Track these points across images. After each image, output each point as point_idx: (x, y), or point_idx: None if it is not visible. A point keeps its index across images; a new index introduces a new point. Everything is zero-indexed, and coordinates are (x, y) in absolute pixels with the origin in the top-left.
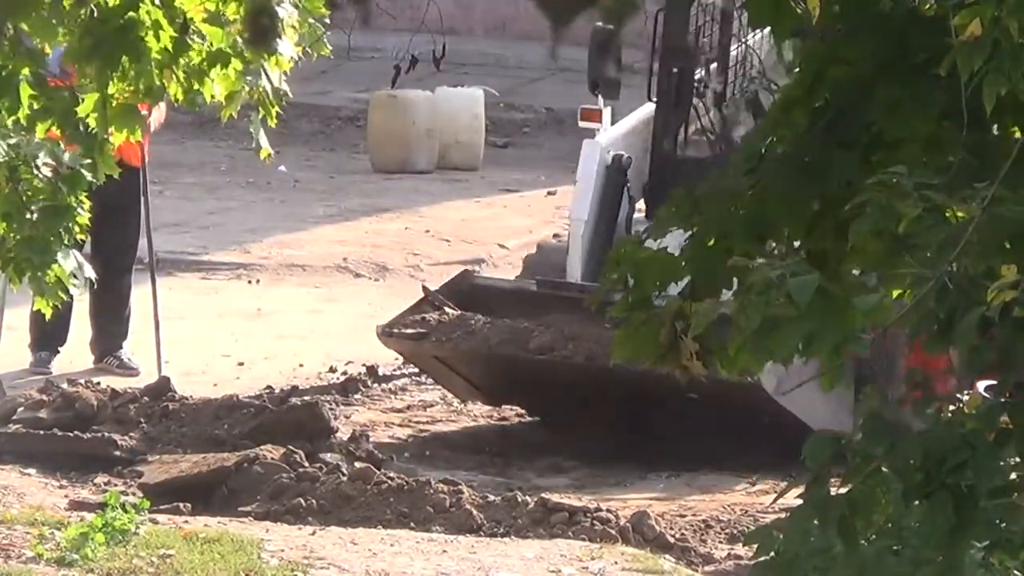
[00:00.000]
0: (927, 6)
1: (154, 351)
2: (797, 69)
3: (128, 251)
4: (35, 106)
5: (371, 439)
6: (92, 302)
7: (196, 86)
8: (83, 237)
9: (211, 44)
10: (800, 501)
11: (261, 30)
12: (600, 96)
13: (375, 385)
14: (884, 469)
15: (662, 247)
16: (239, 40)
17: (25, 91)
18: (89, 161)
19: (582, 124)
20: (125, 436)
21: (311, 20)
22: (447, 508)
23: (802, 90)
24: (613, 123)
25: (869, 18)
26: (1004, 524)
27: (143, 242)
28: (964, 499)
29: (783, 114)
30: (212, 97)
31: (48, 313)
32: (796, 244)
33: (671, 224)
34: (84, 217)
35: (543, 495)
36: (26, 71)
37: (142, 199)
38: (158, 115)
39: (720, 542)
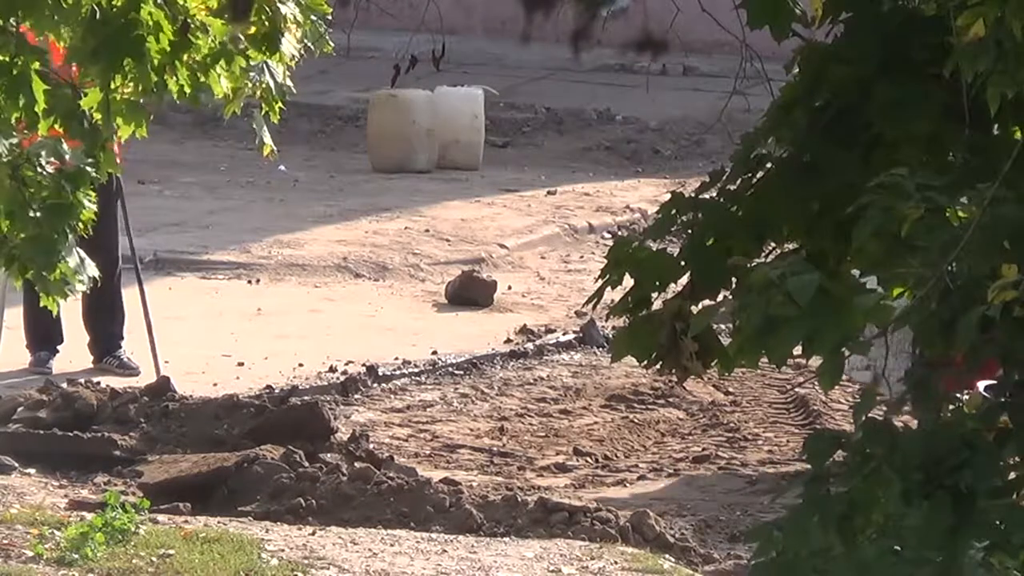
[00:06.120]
0: (927, 6)
1: (149, 353)
2: (797, 69)
3: (109, 251)
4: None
5: (371, 439)
6: (85, 306)
7: (202, 78)
8: (85, 234)
9: (215, 39)
10: (800, 501)
11: (239, 4)
12: None
13: (375, 385)
14: (884, 469)
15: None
16: (241, 38)
17: (38, 86)
18: (92, 160)
19: None
20: (125, 436)
21: (313, 17)
22: (447, 508)
23: (802, 90)
24: None
25: (869, 18)
26: (1004, 524)
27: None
28: (964, 499)
29: (783, 114)
30: (218, 95)
31: (54, 310)
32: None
33: (671, 224)
34: (89, 212)
35: (543, 495)
36: (36, 64)
37: (118, 200)
38: None
39: (720, 542)
